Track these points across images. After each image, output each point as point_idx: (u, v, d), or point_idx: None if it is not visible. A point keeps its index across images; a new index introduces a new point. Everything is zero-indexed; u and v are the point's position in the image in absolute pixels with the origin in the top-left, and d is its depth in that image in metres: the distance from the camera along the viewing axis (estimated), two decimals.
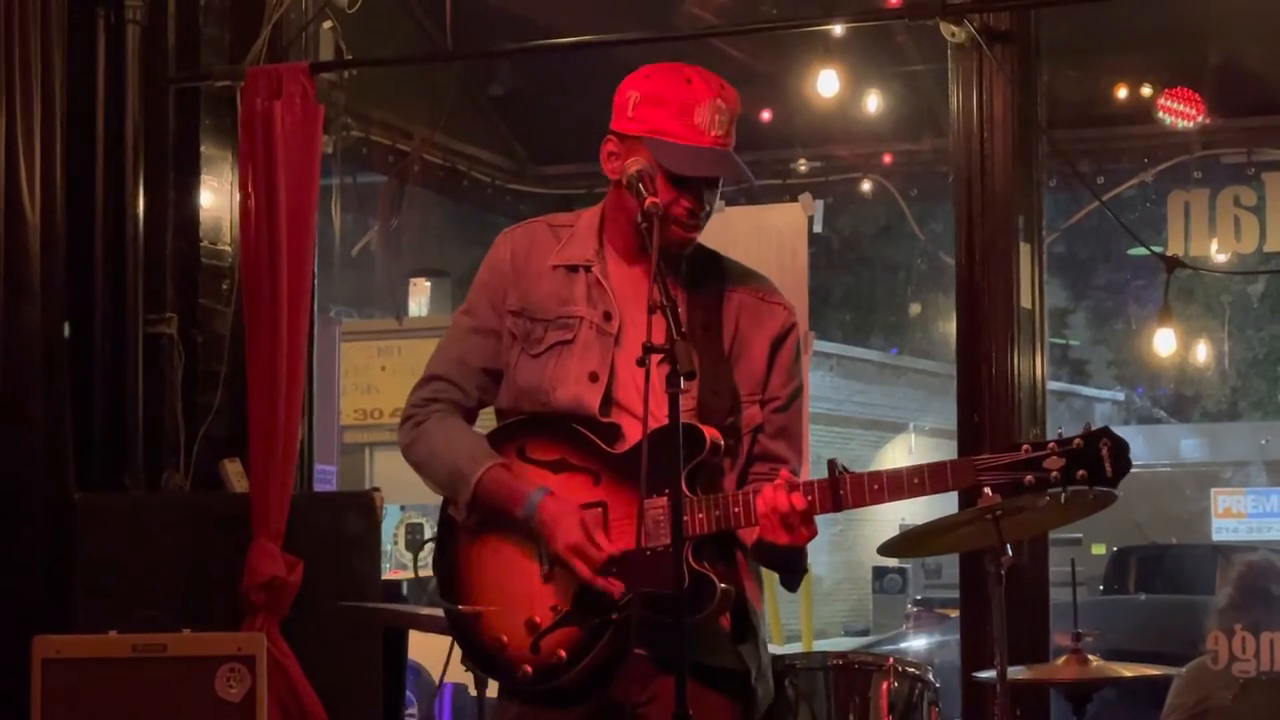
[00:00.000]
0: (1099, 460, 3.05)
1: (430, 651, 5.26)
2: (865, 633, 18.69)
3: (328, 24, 6.28)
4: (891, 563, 18.88)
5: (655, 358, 2.94)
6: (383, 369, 13.20)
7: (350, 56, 6.42)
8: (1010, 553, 3.78)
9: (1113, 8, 6.37)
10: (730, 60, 6.98)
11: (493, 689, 3.61)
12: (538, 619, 3.20)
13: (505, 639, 3.23)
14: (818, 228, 8.22)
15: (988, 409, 5.41)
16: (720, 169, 3.22)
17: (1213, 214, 8.10)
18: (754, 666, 3.25)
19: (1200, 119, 7.77)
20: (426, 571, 3.55)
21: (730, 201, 5.85)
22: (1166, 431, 23.68)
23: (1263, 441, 22.16)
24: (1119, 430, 3.09)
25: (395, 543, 14.02)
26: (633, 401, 3.18)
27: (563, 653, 3.18)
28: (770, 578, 3.40)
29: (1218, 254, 8.34)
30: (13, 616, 5.08)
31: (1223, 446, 22.56)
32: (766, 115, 8.06)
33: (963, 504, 4.68)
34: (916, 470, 3.10)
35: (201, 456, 5.77)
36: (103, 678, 4.59)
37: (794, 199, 6.30)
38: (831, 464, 3.11)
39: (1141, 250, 10.79)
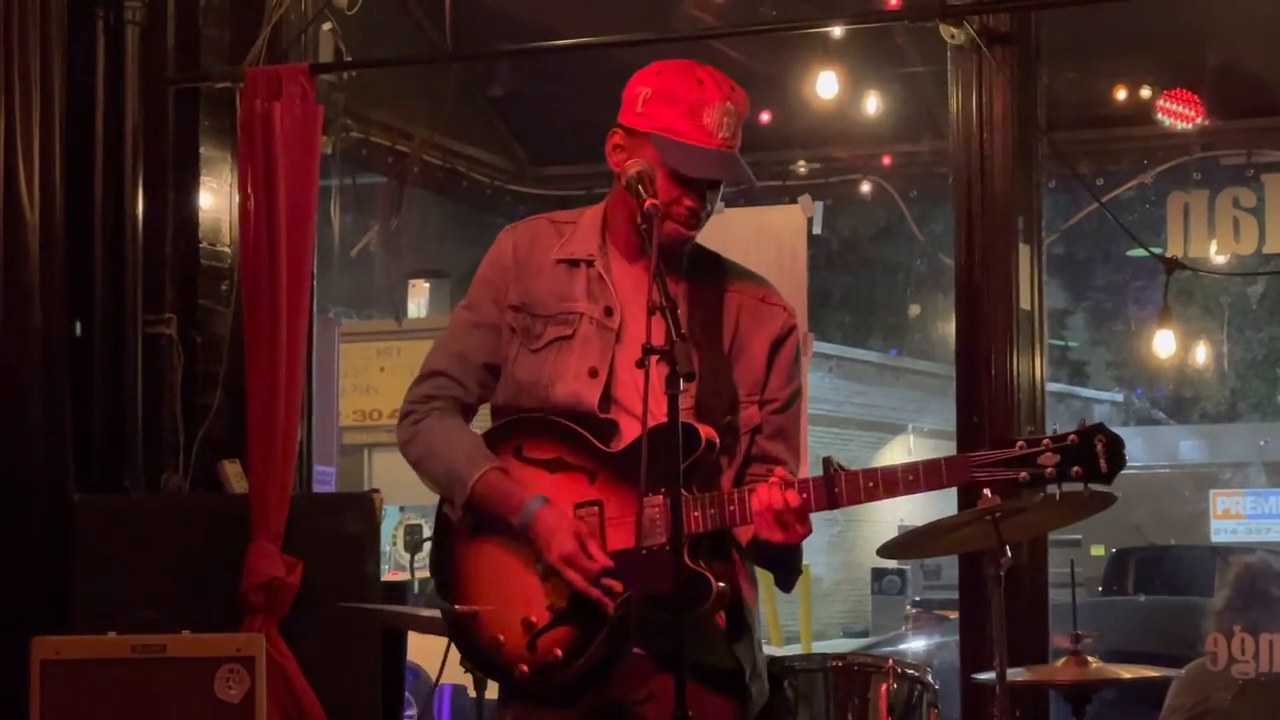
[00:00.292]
0: (1094, 457, 3.05)
1: (429, 653, 5.26)
2: (864, 634, 18.69)
3: (327, 25, 6.29)
4: (890, 564, 18.88)
5: (654, 358, 2.94)
6: (382, 370, 13.20)
7: (350, 58, 6.42)
8: (1009, 554, 3.78)
9: (1112, 9, 6.37)
10: (730, 62, 6.97)
11: (492, 691, 3.61)
12: (534, 618, 3.20)
13: (502, 638, 3.23)
14: (817, 229, 8.23)
15: (987, 410, 5.41)
16: (725, 172, 3.23)
17: (1212, 215, 8.11)
18: (748, 665, 3.25)
19: (1199, 120, 7.77)
20: (423, 573, 3.56)
21: (730, 203, 5.85)
22: (1165, 433, 23.70)
23: (1261, 443, 22.17)
24: (1118, 431, 3.09)
25: (394, 544, 14.02)
26: (631, 399, 3.18)
27: (559, 651, 3.18)
28: (766, 578, 3.40)
29: (1217, 255, 8.36)
30: (12, 617, 5.08)
31: (1221, 448, 22.57)
32: (766, 117, 8.06)
33: (962, 505, 4.69)
34: (911, 467, 3.10)
35: (201, 457, 5.77)
36: (102, 679, 4.59)
37: (793, 200, 6.31)
38: (827, 461, 3.12)
39: (1141, 251, 10.79)
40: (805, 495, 3.09)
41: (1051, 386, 9.55)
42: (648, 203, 3.12)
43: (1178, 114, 7.75)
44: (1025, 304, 5.54)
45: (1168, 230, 8.25)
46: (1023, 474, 3.06)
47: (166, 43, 5.88)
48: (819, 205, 7.78)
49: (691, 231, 3.26)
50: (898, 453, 23.48)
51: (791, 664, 3.95)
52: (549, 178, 9.21)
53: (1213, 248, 8.22)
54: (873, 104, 8.08)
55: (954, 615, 9.71)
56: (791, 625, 12.76)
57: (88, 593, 5.23)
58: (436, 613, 3.63)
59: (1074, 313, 25.45)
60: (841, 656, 4.05)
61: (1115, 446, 3.05)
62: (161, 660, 4.63)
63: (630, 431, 3.17)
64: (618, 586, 3.12)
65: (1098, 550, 17.05)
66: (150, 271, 5.79)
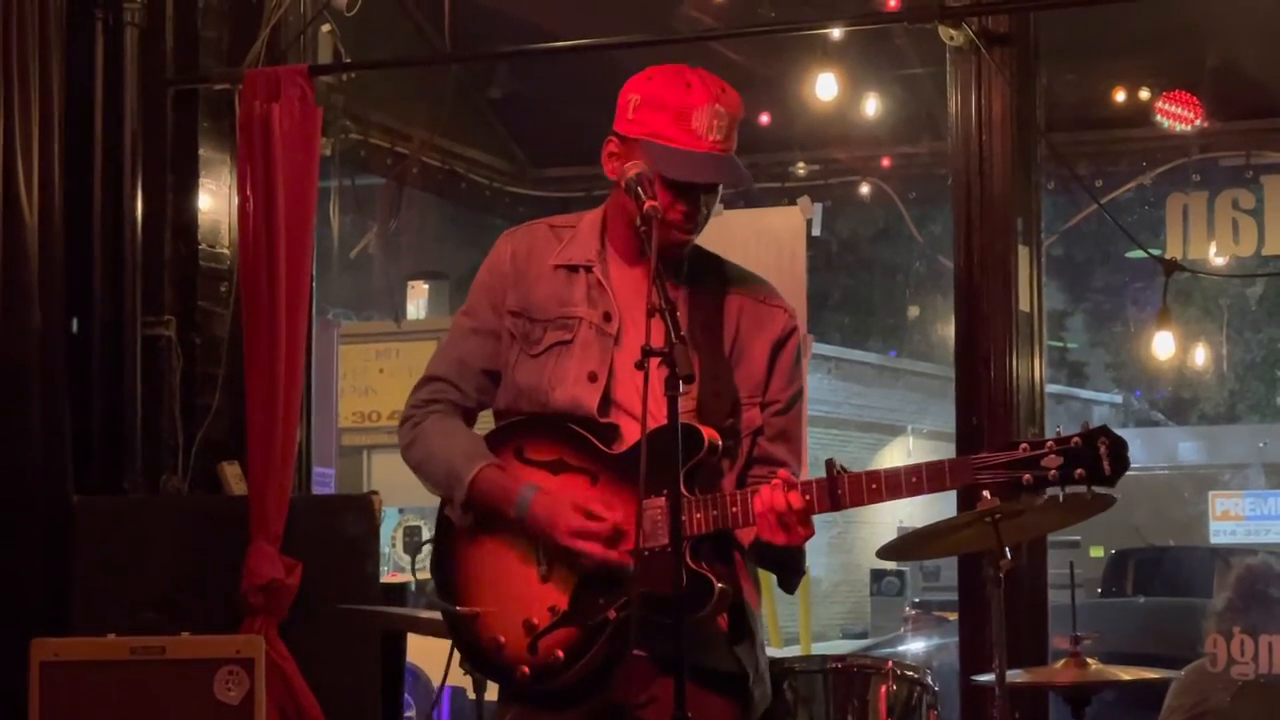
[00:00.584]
0: (1097, 459, 3.04)
1: (429, 654, 5.26)
2: (863, 635, 18.65)
3: (326, 27, 6.28)
4: (889, 565, 18.87)
5: (654, 360, 2.94)
6: (381, 371, 13.18)
7: (348, 59, 6.42)
8: (1009, 556, 3.78)
9: (1111, 11, 6.38)
10: (729, 63, 6.98)
11: (492, 692, 3.61)
12: (535, 620, 3.20)
13: (503, 640, 3.23)
14: (816, 231, 8.22)
15: (986, 411, 5.41)
16: (715, 174, 3.22)
17: (1211, 217, 8.11)
18: (751, 668, 3.25)
19: (1198, 122, 7.77)
20: (423, 574, 3.55)
21: (729, 205, 5.85)
22: (1164, 434, 23.67)
23: (1261, 444, 22.14)
24: (1117, 432, 3.09)
25: (393, 545, 14.01)
26: (632, 402, 3.17)
27: (560, 653, 3.18)
28: (768, 579, 3.40)
29: (1216, 257, 8.36)
30: (11, 619, 5.08)
31: (1221, 449, 22.54)
32: (765, 118, 8.06)
33: (961, 507, 4.69)
34: (914, 469, 3.09)
35: (200, 459, 5.77)
36: (101, 680, 4.59)
37: (792, 202, 6.31)
38: (829, 463, 3.11)
39: (1140, 253, 10.81)
40: (808, 497, 3.09)
41: (1051, 388, 9.56)
42: (647, 204, 3.11)
43: (1177, 115, 7.75)
44: (1024, 305, 5.54)
45: (1167, 232, 8.25)
46: (1026, 476, 3.06)
47: (165, 44, 5.89)
48: (818, 207, 7.77)
49: (687, 236, 3.26)
50: (897, 454, 23.46)
51: (791, 665, 3.96)
52: (548, 179, 9.22)
53: (1212, 249, 8.22)
54: (872, 105, 8.09)
55: (953, 617, 9.72)
56: (791, 627, 12.74)
57: (87, 594, 5.23)
58: (436, 615, 3.64)
59: (1073, 314, 25.45)
60: (841, 658, 4.06)
61: (1119, 449, 3.04)
62: (161, 662, 4.63)
63: (631, 434, 3.17)
64: (630, 544, 3.09)
65: (1097, 552, 17.03)
66: (149, 273, 5.79)
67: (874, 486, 3.10)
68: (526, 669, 3.20)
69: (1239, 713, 4.91)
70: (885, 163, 8.81)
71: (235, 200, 5.77)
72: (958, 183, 5.55)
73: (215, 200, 5.95)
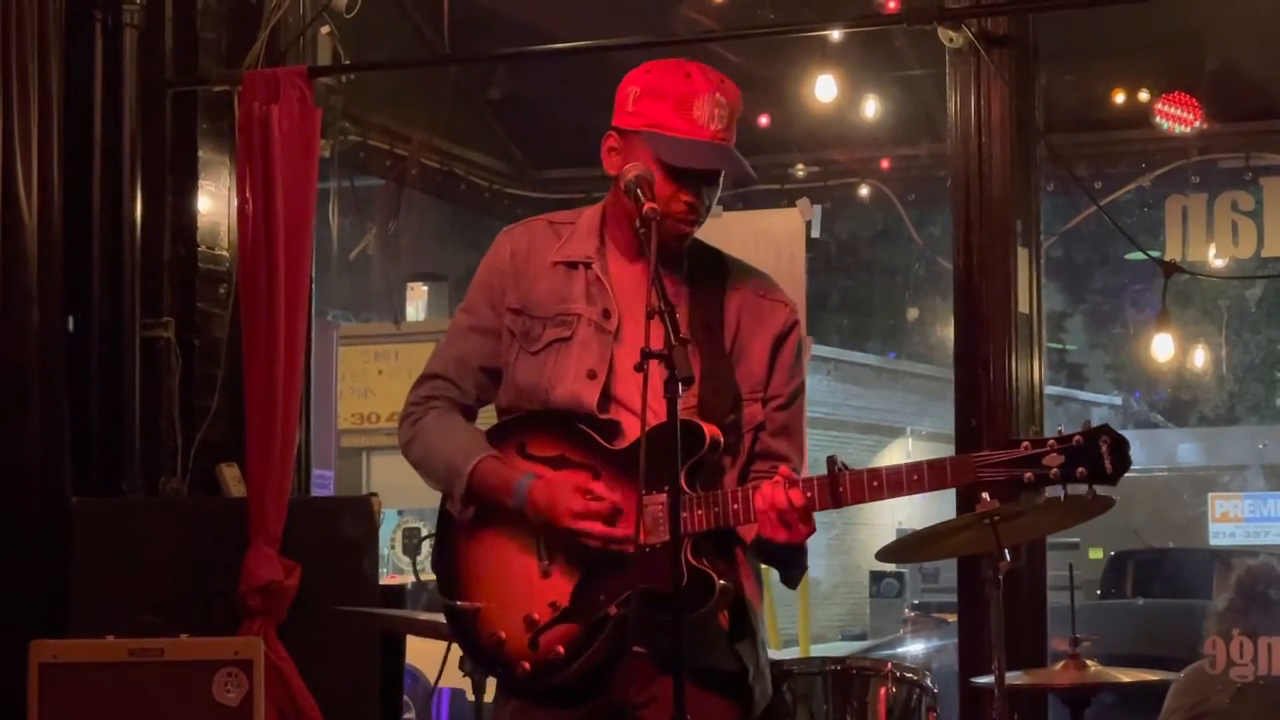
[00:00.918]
0: (1098, 457, 3.03)
1: (428, 656, 5.26)
2: (862, 637, 18.65)
3: (325, 28, 6.28)
4: (889, 567, 18.87)
5: (654, 361, 2.93)
6: (380, 373, 13.21)
7: (348, 60, 6.42)
8: (1008, 557, 3.78)
9: (1110, 13, 6.38)
10: (728, 65, 6.94)
11: (491, 694, 3.60)
12: (536, 615, 3.20)
13: (503, 635, 3.22)
14: (815, 232, 8.21)
15: (985, 413, 5.41)
16: (719, 162, 3.22)
17: (1210, 218, 8.12)
18: (752, 666, 3.24)
19: (1197, 124, 7.78)
20: (426, 574, 3.55)
21: (727, 206, 5.85)
22: (1164, 436, 23.66)
23: (1260, 446, 22.14)
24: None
25: (393, 547, 14.03)
26: (632, 398, 3.16)
27: (561, 649, 3.17)
28: (769, 578, 3.39)
29: (1215, 258, 8.36)
30: (10, 621, 5.07)
31: (1220, 451, 22.53)
32: (764, 120, 8.07)
33: (961, 509, 4.69)
34: (916, 467, 3.08)
35: (199, 461, 5.77)
36: (100, 682, 4.58)
37: (791, 204, 6.31)
38: (831, 461, 3.10)
39: (1139, 255, 10.81)
40: (809, 494, 3.08)
41: (1050, 389, 9.57)
42: (646, 206, 3.11)
43: (1176, 117, 7.75)
44: (1024, 307, 5.54)
45: (1166, 233, 8.25)
46: (1028, 474, 3.05)
47: (164, 45, 5.89)
48: (817, 208, 7.77)
49: (690, 228, 3.25)
50: (896, 456, 23.45)
51: (790, 667, 3.96)
52: (547, 180, 9.23)
53: (1211, 251, 8.22)
54: (871, 107, 8.09)
55: (952, 618, 9.72)
56: (790, 629, 12.74)
57: (86, 596, 5.23)
58: (434, 617, 3.63)
59: (1072, 316, 25.45)
60: (840, 660, 4.06)
61: (1121, 448, 3.04)
62: (159, 664, 4.63)
63: (632, 429, 3.16)
64: (630, 528, 3.09)
65: (1096, 553, 17.03)
66: (148, 274, 5.79)
67: (875, 484, 3.09)
68: (527, 665, 3.20)
69: (1238, 714, 4.91)
70: (884, 164, 8.82)
71: (234, 202, 5.77)
72: (957, 184, 5.55)
73: (214, 201, 5.95)
